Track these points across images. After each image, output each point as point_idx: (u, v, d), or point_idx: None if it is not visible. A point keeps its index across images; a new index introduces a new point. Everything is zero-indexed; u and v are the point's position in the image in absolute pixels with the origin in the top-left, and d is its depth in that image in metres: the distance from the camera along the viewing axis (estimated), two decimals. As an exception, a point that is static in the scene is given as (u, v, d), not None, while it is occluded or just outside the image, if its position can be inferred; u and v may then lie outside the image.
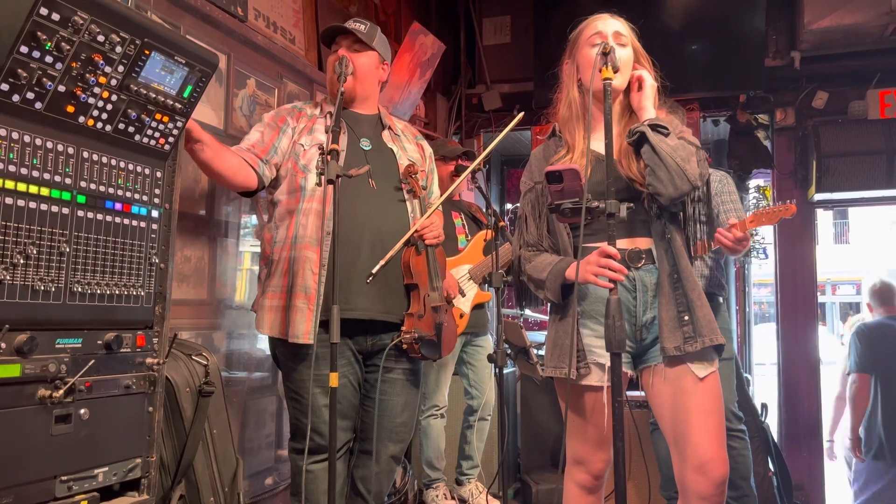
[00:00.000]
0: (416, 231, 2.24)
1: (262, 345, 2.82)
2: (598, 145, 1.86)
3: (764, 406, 3.83)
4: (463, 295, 3.32)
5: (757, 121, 4.53)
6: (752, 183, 5.04)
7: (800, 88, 4.39)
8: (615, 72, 1.73)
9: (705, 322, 1.81)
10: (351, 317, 2.13)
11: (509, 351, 3.38)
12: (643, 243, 1.88)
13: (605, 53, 1.72)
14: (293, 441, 2.24)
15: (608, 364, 1.79)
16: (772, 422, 4.01)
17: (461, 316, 3.30)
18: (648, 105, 1.87)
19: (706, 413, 1.79)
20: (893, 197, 4.40)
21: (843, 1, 3.96)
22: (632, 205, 1.71)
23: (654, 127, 1.80)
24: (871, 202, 4.46)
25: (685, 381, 1.81)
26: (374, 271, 2.17)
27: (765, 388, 5.27)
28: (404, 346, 2.21)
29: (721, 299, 3.18)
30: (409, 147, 2.42)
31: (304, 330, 2.11)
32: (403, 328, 2.22)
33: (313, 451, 2.14)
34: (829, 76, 4.35)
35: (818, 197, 4.33)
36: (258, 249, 2.55)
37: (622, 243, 1.84)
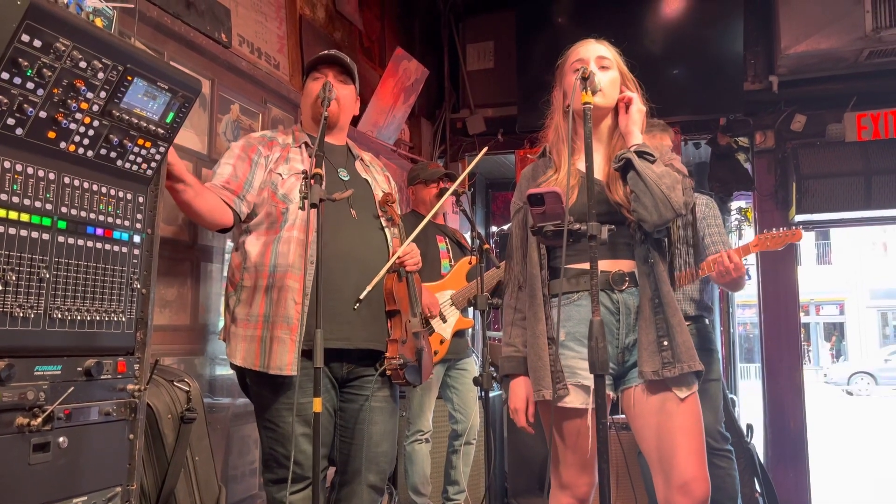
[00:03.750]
0: (397, 258, 2.24)
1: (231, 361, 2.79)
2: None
3: (749, 427, 3.84)
4: (444, 321, 3.31)
5: (737, 143, 4.60)
6: (734, 205, 5.10)
7: (778, 112, 4.46)
8: (594, 94, 1.76)
9: (685, 348, 1.82)
10: (335, 346, 2.10)
11: (495, 374, 3.37)
12: (627, 266, 1.89)
13: (585, 78, 1.75)
14: (268, 472, 2.15)
15: (594, 386, 1.80)
16: (757, 443, 4.01)
17: (441, 342, 3.29)
18: (635, 130, 1.88)
19: (688, 433, 1.80)
20: (872, 218, 4.46)
21: (819, 26, 4.05)
22: (613, 227, 1.73)
23: (641, 153, 1.82)
24: (851, 223, 4.54)
25: (668, 403, 1.82)
26: (361, 297, 2.14)
27: (750, 409, 5.28)
28: (389, 373, 2.19)
29: (707, 321, 3.21)
30: (379, 178, 2.45)
31: (287, 361, 2.06)
32: (388, 354, 2.20)
33: (292, 480, 2.03)
34: (806, 100, 4.43)
35: (799, 218, 4.38)
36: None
37: (605, 265, 1.85)
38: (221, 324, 2.70)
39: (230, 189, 2.14)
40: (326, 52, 2.34)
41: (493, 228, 6.39)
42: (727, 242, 3.08)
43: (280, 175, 2.19)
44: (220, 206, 2.10)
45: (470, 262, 3.45)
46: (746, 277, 2.88)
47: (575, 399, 1.84)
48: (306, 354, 2.04)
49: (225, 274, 2.70)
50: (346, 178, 2.30)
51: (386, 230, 2.32)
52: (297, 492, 2.09)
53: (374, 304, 2.21)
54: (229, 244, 2.73)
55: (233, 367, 2.19)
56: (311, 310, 2.07)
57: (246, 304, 2.14)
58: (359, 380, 2.23)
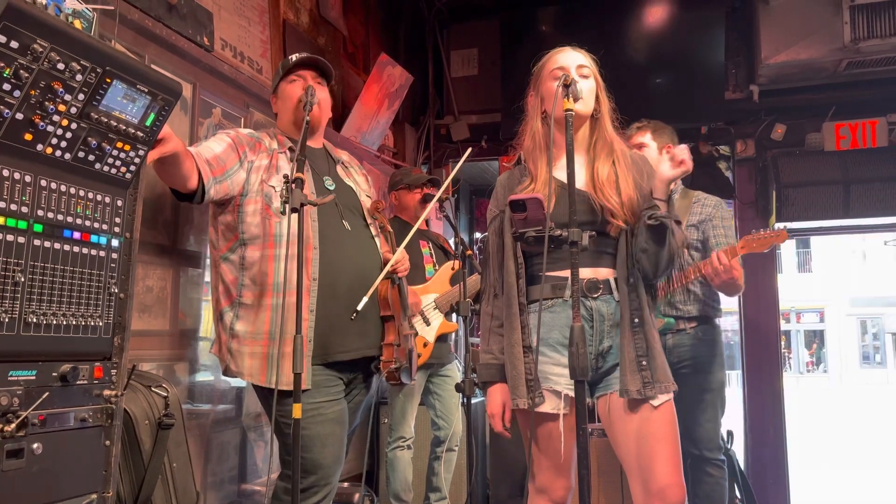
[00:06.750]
0: (391, 266, 2.27)
1: (227, 376, 2.77)
2: (562, 174, 1.88)
3: (730, 433, 3.85)
4: (427, 324, 3.31)
5: (718, 152, 4.63)
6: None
7: (759, 121, 4.50)
8: (575, 101, 1.77)
9: (661, 371, 1.85)
10: (347, 358, 2.18)
11: (477, 380, 3.37)
12: (603, 274, 1.91)
13: (567, 85, 1.76)
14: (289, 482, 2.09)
15: (564, 392, 1.83)
16: (737, 449, 4.02)
17: (425, 345, 3.29)
18: (664, 188, 1.89)
19: (663, 440, 1.82)
20: (850, 226, 4.51)
21: (799, 37, 4.10)
22: (594, 233, 1.73)
23: (677, 221, 1.86)
24: (830, 231, 4.58)
25: (643, 410, 1.85)
26: (358, 308, 2.17)
27: (730, 416, 5.30)
28: (385, 375, 2.25)
29: (717, 321, 3.09)
30: (360, 179, 2.47)
31: (301, 379, 2.08)
32: (384, 357, 2.25)
33: (314, 490, 2.08)
34: (786, 109, 4.48)
35: (779, 226, 4.40)
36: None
37: (583, 272, 1.86)
38: (202, 329, 2.68)
39: (212, 167, 2.09)
40: (304, 55, 2.35)
41: (477, 235, 6.39)
42: (732, 243, 2.96)
43: (273, 188, 2.18)
44: (194, 174, 2.03)
45: (453, 268, 3.45)
46: (741, 282, 2.82)
47: (547, 404, 1.87)
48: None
49: (206, 279, 2.68)
50: (331, 188, 2.30)
51: (376, 239, 2.35)
52: (323, 500, 2.12)
53: (369, 313, 2.24)
54: (209, 250, 2.71)
55: (254, 386, 2.22)
56: (317, 325, 2.13)
57: (248, 321, 2.14)
58: (352, 383, 2.30)
